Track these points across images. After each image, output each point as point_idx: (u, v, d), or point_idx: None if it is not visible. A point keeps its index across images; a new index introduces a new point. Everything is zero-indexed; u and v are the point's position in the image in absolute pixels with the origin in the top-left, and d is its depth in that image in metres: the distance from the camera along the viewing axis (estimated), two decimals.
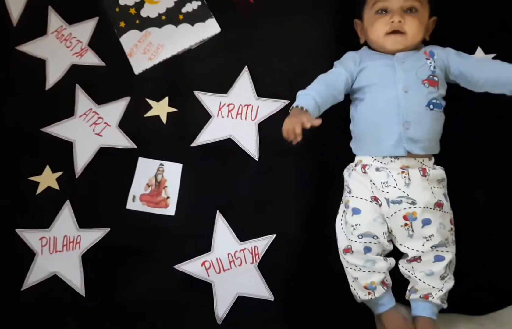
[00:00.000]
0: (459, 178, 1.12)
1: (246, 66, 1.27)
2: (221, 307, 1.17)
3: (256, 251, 1.19)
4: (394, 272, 1.08)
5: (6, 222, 1.26)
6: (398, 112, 1.03)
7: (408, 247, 1.04)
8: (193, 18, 1.31)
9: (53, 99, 1.31)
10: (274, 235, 1.19)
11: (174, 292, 1.19)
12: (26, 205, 1.27)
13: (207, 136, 1.26)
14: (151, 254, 1.21)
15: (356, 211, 1.06)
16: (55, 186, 1.27)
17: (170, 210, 1.23)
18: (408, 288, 1.07)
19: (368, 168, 1.06)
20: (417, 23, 1.07)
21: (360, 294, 1.07)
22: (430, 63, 1.07)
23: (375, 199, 1.05)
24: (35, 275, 1.23)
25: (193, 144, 1.25)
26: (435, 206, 1.02)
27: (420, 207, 1.01)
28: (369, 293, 1.05)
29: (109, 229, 1.23)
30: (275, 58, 1.27)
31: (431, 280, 1.02)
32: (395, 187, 1.02)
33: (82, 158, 1.28)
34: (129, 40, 1.32)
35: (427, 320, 1.03)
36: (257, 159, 1.23)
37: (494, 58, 1.16)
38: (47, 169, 1.28)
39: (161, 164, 1.26)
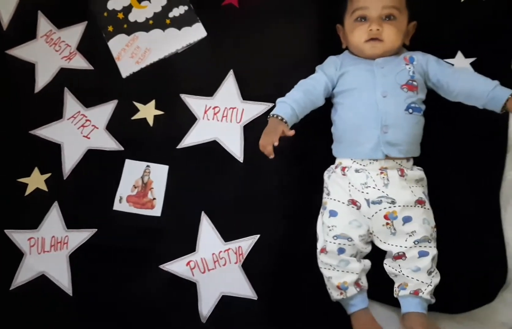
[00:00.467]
0: (439, 179, 1.13)
1: (231, 70, 1.29)
2: (206, 306, 1.18)
3: (240, 251, 1.20)
4: (381, 272, 1.08)
5: None
6: (377, 116, 1.05)
7: (391, 244, 1.05)
8: (180, 23, 1.34)
9: (42, 102, 1.34)
10: (258, 236, 1.20)
11: (160, 291, 1.20)
12: (15, 206, 1.29)
13: (193, 138, 1.27)
14: (138, 254, 1.22)
15: (333, 213, 1.07)
16: (44, 187, 1.28)
17: (156, 211, 1.24)
18: (396, 285, 1.06)
19: (347, 170, 1.07)
20: (395, 31, 1.08)
21: (333, 293, 1.08)
22: (409, 68, 1.09)
23: (352, 202, 1.06)
24: (24, 275, 1.24)
25: (179, 146, 1.27)
26: (416, 203, 1.03)
27: (399, 206, 1.02)
28: (341, 293, 1.06)
29: (96, 229, 1.25)
30: (260, 61, 1.29)
31: (419, 275, 1.02)
32: (374, 187, 1.04)
33: (70, 160, 1.29)
34: (117, 44, 1.34)
35: (420, 315, 1.02)
36: (242, 161, 1.24)
37: (474, 62, 1.17)
38: (36, 170, 1.29)
39: (148, 166, 1.27)
